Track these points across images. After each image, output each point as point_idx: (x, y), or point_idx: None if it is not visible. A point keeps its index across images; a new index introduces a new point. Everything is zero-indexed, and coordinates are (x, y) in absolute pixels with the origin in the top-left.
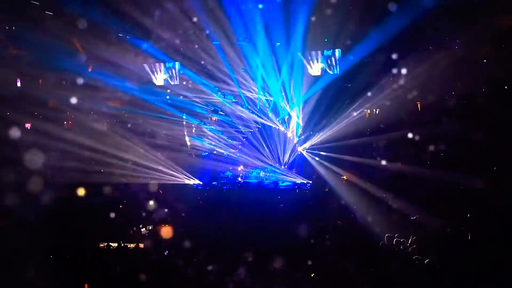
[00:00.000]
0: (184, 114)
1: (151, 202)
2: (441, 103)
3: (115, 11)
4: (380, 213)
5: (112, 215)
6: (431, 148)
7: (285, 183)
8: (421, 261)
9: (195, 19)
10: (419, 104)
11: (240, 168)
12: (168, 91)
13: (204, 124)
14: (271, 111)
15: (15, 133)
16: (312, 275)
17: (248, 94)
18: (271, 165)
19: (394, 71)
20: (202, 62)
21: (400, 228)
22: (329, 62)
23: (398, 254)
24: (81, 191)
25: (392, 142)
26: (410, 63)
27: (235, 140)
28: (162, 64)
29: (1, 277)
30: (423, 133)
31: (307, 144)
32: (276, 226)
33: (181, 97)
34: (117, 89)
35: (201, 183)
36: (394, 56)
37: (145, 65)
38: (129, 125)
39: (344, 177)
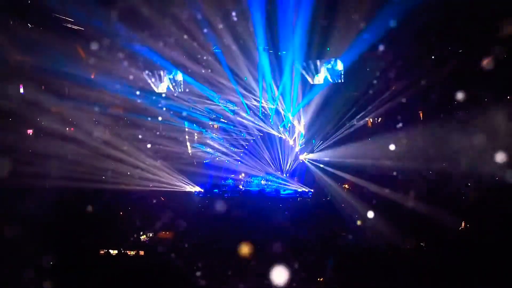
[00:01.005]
0: (186, 122)
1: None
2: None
3: (119, 18)
4: (383, 218)
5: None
6: (433, 148)
7: (286, 191)
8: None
9: (198, 27)
10: (421, 114)
11: (242, 176)
12: (170, 98)
13: (206, 131)
14: (273, 119)
15: (17, 138)
16: (320, 280)
17: (250, 102)
18: (272, 173)
19: (396, 78)
20: (204, 70)
21: (403, 233)
22: (331, 71)
23: (401, 258)
24: None
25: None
26: (412, 70)
27: (237, 148)
28: (164, 72)
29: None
30: (425, 135)
31: (311, 156)
32: (278, 233)
33: (183, 104)
34: (119, 95)
35: (202, 190)
36: (396, 63)
37: (148, 72)
38: (130, 132)
39: (346, 185)
